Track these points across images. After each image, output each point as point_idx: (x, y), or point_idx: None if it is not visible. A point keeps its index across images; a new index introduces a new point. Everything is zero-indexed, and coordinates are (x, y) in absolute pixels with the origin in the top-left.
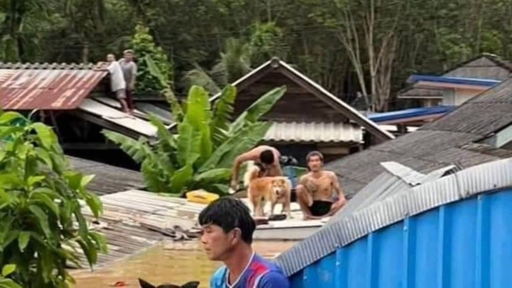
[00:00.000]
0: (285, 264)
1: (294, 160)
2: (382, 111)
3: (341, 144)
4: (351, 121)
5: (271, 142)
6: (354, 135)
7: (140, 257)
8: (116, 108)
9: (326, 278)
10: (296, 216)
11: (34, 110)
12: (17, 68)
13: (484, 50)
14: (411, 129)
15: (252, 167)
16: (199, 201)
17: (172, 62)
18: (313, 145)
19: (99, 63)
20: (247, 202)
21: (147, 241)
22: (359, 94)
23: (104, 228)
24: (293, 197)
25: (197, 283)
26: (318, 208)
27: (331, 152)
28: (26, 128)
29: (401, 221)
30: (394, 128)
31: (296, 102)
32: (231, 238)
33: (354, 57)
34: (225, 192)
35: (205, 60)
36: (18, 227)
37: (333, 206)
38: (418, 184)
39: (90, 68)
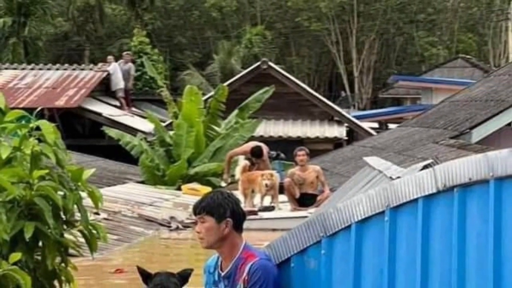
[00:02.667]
0: (274, 253)
1: (282, 155)
2: (364, 109)
3: (326, 140)
4: (336, 118)
5: (261, 138)
6: (338, 131)
7: (138, 246)
8: (115, 106)
9: (312, 266)
10: (284, 208)
11: (39, 108)
12: (23, 69)
13: (460, 52)
14: (391, 126)
15: (243, 161)
16: (193, 193)
17: (168, 63)
18: (300, 141)
19: (100, 64)
20: (238, 194)
21: (145, 231)
22: (343, 93)
23: (104, 218)
24: (281, 189)
25: (192, 270)
26: (305, 200)
27: (317, 148)
28: (31, 125)
29: (382, 212)
30: (375, 125)
31: (284, 101)
32: (223, 228)
33: (338, 59)
34: (217, 185)
35: (199, 61)
36: (24, 217)
37: (318, 198)
38: (398, 177)
39: (91, 69)
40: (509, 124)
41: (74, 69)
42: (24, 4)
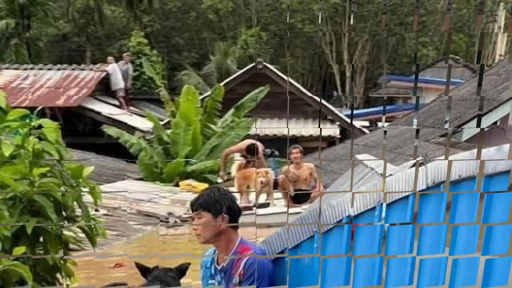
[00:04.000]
0: (269, 247)
1: (277, 153)
2: (357, 108)
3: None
4: (329, 117)
5: (256, 137)
6: (332, 130)
7: (137, 241)
8: (115, 105)
9: (306, 261)
10: (279, 204)
11: (40, 107)
12: (25, 69)
13: (450, 52)
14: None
15: (238, 159)
16: (190, 190)
17: (166, 64)
18: (294, 139)
19: (99, 65)
20: (234, 191)
21: (143, 226)
22: (335, 93)
23: (104, 214)
24: (276, 186)
25: (189, 264)
26: (299, 197)
27: (311, 146)
28: (33, 123)
29: (374, 208)
30: (367, 123)
31: (279, 100)
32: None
33: (331, 59)
34: (214, 182)
35: (196, 62)
36: (26, 213)
37: (312, 194)
38: (390, 174)
39: (91, 69)
40: (495, 123)
41: (74, 69)
42: (25, 6)
